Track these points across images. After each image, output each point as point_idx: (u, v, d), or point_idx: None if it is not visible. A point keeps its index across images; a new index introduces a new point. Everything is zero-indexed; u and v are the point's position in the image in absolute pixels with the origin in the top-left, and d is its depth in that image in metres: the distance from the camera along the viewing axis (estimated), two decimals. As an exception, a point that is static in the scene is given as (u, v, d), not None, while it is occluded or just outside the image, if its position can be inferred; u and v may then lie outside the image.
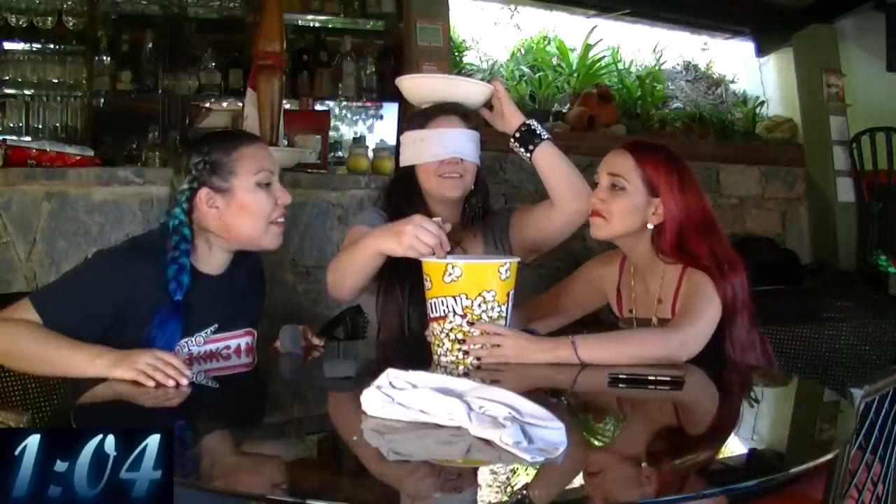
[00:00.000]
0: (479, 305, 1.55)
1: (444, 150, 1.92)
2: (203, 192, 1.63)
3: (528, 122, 1.93)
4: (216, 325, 1.68)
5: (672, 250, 1.73)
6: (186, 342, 1.63)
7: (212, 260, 1.68)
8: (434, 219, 1.61)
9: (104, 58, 3.80)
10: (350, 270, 1.75)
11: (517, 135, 1.92)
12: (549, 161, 1.92)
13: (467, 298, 1.55)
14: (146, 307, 1.56)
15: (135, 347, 1.50)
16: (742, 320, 1.70)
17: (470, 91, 1.95)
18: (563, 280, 2.01)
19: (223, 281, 1.70)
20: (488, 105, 1.98)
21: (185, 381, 1.45)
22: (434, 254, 1.57)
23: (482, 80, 2.03)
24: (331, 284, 1.82)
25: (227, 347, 1.71)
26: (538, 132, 1.91)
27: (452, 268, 1.55)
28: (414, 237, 1.56)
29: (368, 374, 1.34)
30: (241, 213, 1.64)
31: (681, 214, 1.73)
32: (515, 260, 1.60)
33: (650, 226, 1.75)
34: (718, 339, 1.67)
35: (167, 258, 1.59)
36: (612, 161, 1.79)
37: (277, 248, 1.76)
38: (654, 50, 5.01)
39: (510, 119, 1.93)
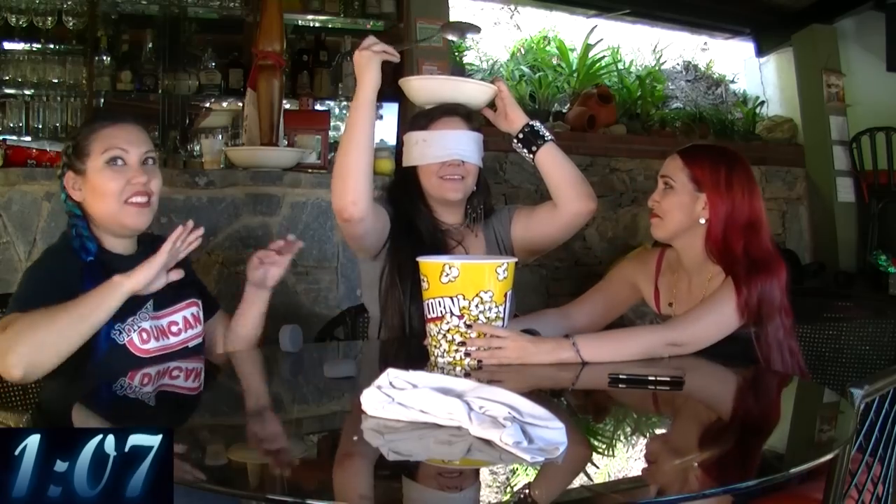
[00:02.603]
0: (477, 306, 1.55)
1: (446, 151, 1.92)
2: (68, 177, 1.66)
3: (531, 122, 1.93)
4: (151, 301, 1.68)
5: (716, 246, 1.75)
6: (133, 320, 1.63)
7: (111, 240, 1.69)
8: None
9: (104, 58, 3.80)
10: (346, 145, 1.80)
11: (520, 135, 1.92)
12: (552, 162, 1.92)
13: (464, 299, 1.55)
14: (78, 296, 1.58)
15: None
16: (777, 324, 1.71)
17: (473, 92, 1.95)
18: (597, 284, 2.03)
19: (139, 258, 1.69)
20: (491, 105, 1.97)
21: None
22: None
23: (483, 80, 2.02)
24: (337, 198, 1.76)
25: (174, 323, 1.72)
26: (541, 133, 1.91)
27: (450, 268, 1.54)
28: (356, 57, 1.79)
29: (368, 374, 1.34)
30: (93, 193, 1.65)
31: (726, 211, 1.75)
32: (513, 260, 1.60)
33: (702, 221, 1.77)
34: (748, 342, 1.69)
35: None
36: (665, 165, 1.85)
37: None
38: (654, 50, 5.02)
39: (513, 119, 1.93)
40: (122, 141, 1.65)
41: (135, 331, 1.63)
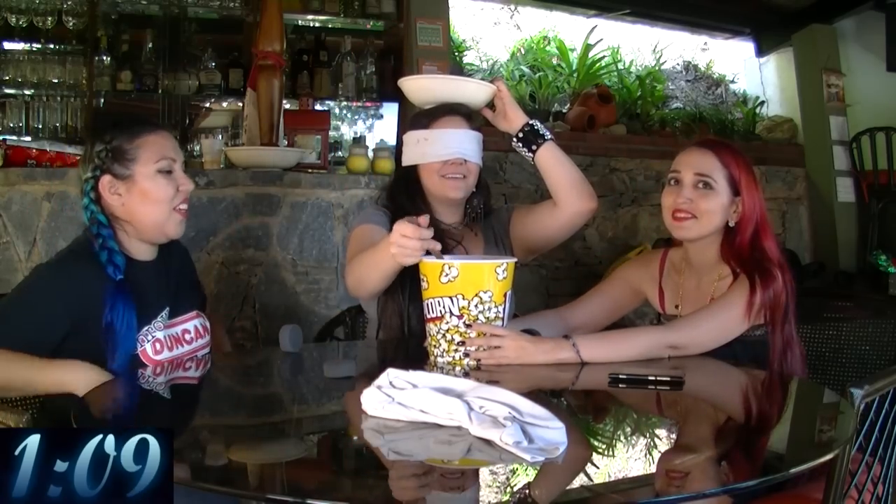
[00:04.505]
0: (476, 306, 1.55)
1: (448, 150, 1.92)
2: (105, 180, 1.65)
3: (531, 122, 1.93)
4: (168, 309, 1.69)
5: (739, 250, 1.74)
6: (148, 330, 1.64)
7: (137, 246, 1.69)
8: (410, 219, 1.57)
9: (104, 58, 3.80)
10: (368, 274, 1.75)
11: (520, 135, 1.92)
12: (552, 161, 1.92)
13: (464, 299, 1.54)
14: (100, 307, 1.57)
15: (94, 348, 1.53)
16: (790, 325, 1.71)
17: (473, 91, 1.95)
18: (598, 285, 2.02)
19: (158, 265, 1.72)
20: (490, 105, 1.97)
21: None
22: (428, 253, 1.56)
23: (483, 80, 2.02)
24: (351, 287, 1.84)
25: (187, 331, 1.73)
26: (541, 132, 1.91)
27: (449, 268, 1.54)
28: (398, 249, 1.55)
29: (368, 374, 1.34)
30: (143, 199, 1.65)
31: (754, 214, 1.75)
32: (512, 260, 1.60)
33: (731, 224, 1.76)
34: (756, 344, 1.69)
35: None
36: (696, 160, 1.79)
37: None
38: (654, 50, 5.01)
39: (513, 119, 1.93)
40: (171, 150, 1.69)
41: (148, 341, 1.63)
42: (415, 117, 2.03)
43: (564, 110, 4.36)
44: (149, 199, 1.65)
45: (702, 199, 1.76)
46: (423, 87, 1.99)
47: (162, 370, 1.61)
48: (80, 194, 1.68)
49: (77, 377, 1.47)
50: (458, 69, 4.22)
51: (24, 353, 1.51)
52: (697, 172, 1.77)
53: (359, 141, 4.02)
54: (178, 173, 1.69)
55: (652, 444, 1.27)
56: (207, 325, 1.80)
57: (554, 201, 1.95)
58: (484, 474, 1.07)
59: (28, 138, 3.68)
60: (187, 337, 1.72)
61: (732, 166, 1.76)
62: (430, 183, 1.96)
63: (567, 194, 1.92)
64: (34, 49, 3.81)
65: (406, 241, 1.54)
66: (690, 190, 1.77)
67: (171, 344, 1.67)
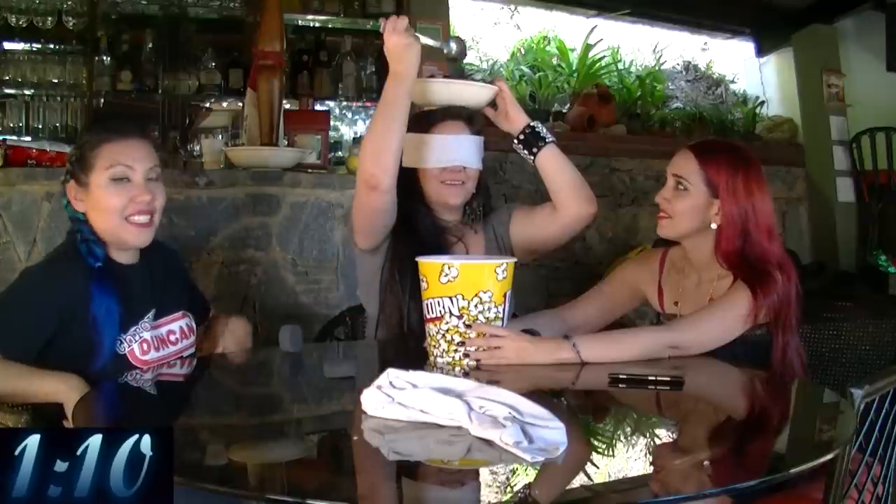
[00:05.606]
0: (476, 306, 1.55)
1: (447, 157, 1.91)
2: (70, 186, 1.65)
3: (532, 123, 1.92)
4: (154, 311, 1.69)
5: (727, 253, 1.74)
6: (135, 331, 1.64)
7: (115, 251, 1.68)
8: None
9: (104, 58, 3.80)
10: (384, 125, 1.76)
11: (521, 136, 1.91)
12: (553, 165, 1.91)
13: (464, 299, 1.54)
14: (86, 304, 1.57)
15: (81, 345, 1.54)
16: (792, 327, 1.71)
17: (474, 94, 1.93)
18: (597, 284, 2.02)
19: (142, 268, 1.71)
20: (492, 104, 1.97)
21: None
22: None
23: (482, 80, 2.02)
24: (370, 165, 1.76)
25: (172, 332, 1.73)
26: (542, 135, 1.90)
27: (448, 268, 1.54)
28: (399, 40, 1.80)
29: (368, 374, 1.34)
30: (96, 208, 1.63)
31: (741, 218, 1.73)
32: (512, 260, 1.59)
33: (713, 226, 1.76)
34: (756, 345, 1.69)
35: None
36: (677, 161, 1.81)
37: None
38: (654, 50, 5.01)
39: (514, 120, 1.92)
40: (128, 157, 1.63)
41: (136, 341, 1.63)
42: (415, 119, 2.02)
43: (564, 110, 4.36)
44: (99, 208, 1.62)
45: (676, 199, 1.78)
46: (424, 89, 1.99)
47: (149, 370, 1.61)
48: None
49: (70, 386, 1.47)
50: (459, 69, 4.21)
51: (13, 357, 1.51)
52: (674, 173, 1.80)
53: (359, 141, 4.02)
54: (136, 182, 1.63)
55: (652, 444, 1.27)
56: (193, 325, 1.80)
57: (554, 204, 1.95)
58: (484, 474, 1.07)
59: (28, 138, 3.68)
60: (172, 338, 1.72)
61: (711, 169, 1.75)
62: (429, 188, 1.95)
63: (567, 198, 1.92)
64: (34, 49, 3.81)
65: (396, 31, 1.81)
66: (669, 190, 1.80)
67: (157, 344, 1.67)
